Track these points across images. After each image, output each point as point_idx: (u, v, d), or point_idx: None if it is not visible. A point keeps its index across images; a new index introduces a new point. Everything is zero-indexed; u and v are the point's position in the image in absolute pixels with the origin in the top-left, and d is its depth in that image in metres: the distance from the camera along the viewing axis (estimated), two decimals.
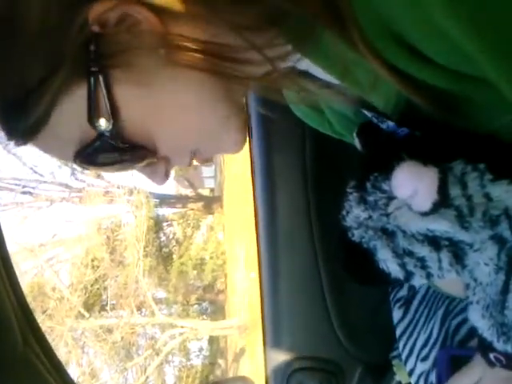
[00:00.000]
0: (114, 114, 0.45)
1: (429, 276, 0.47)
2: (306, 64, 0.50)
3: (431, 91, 0.41)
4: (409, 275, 0.47)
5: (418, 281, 0.48)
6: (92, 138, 0.46)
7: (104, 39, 0.43)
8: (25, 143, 0.47)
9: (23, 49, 0.42)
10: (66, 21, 0.41)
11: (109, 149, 0.47)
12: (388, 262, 0.46)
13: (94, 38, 0.42)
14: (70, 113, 0.45)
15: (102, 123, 0.45)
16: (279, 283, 0.96)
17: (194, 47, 0.44)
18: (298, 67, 0.52)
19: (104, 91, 0.44)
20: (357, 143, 0.57)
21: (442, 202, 0.40)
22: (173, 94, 0.46)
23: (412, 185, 0.40)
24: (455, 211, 0.43)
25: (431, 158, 0.44)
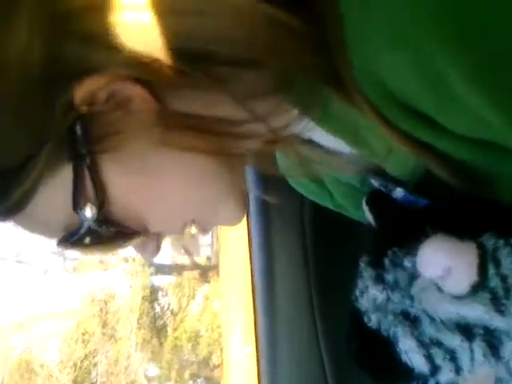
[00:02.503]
0: (101, 199, 0.41)
1: (458, 370, 0.40)
2: (311, 132, 0.47)
3: (451, 160, 0.37)
4: (435, 369, 0.40)
5: (446, 375, 0.41)
6: (75, 225, 0.42)
7: (92, 119, 0.39)
8: (4, 220, 0.43)
9: (2, 129, 0.38)
10: (48, 100, 0.38)
11: (95, 234, 0.43)
12: (411, 353, 0.40)
13: (80, 119, 0.38)
14: (53, 196, 0.41)
15: (88, 209, 0.41)
16: (277, 361, 0.90)
17: (190, 124, 0.40)
18: (303, 135, 0.48)
19: (91, 177, 0.40)
20: (367, 213, 0.51)
21: (481, 284, 0.35)
22: (166, 175, 0.42)
23: (445, 262, 0.34)
24: (490, 293, 0.37)
25: (458, 231, 0.38)
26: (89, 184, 0.41)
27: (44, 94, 0.38)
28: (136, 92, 0.39)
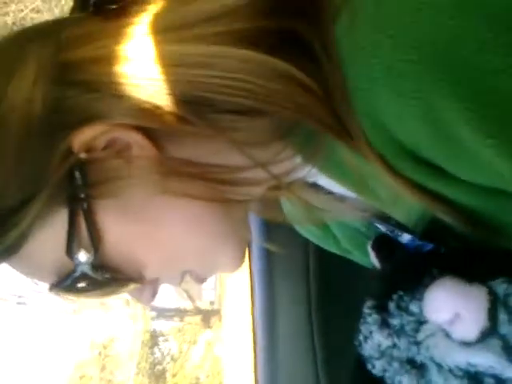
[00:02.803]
0: (96, 247, 0.41)
1: None
2: (316, 177, 0.46)
3: (459, 207, 0.37)
4: None
5: None
6: (70, 270, 0.42)
7: (90, 165, 0.39)
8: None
9: (2, 171, 0.39)
10: (48, 146, 0.38)
11: (89, 279, 0.42)
12: None
13: (78, 164, 0.38)
14: (47, 241, 0.41)
15: (82, 256, 0.41)
16: None
17: (190, 173, 0.40)
18: (307, 180, 0.48)
19: (86, 222, 0.40)
20: (372, 257, 0.50)
21: (491, 330, 0.33)
22: (163, 223, 0.42)
23: (453, 307, 0.33)
24: (501, 341, 0.35)
25: (467, 274, 0.37)
26: (84, 229, 0.40)
27: (44, 139, 0.38)
28: (135, 139, 0.39)
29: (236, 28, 0.38)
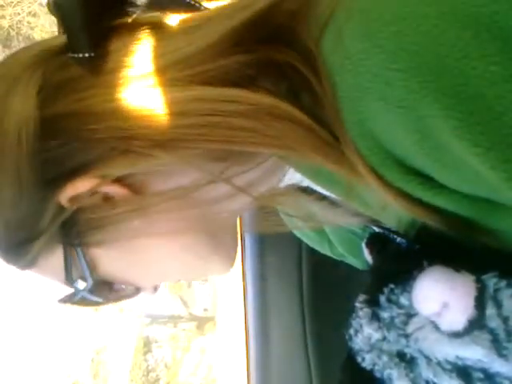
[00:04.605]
0: (91, 276, 0.46)
1: None
2: (304, 179, 0.46)
3: (449, 216, 0.37)
4: None
5: None
6: (71, 292, 0.48)
7: (79, 214, 0.43)
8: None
9: (2, 220, 0.43)
10: (38, 201, 0.42)
11: (87, 300, 0.49)
12: None
13: (68, 215, 0.42)
14: (52, 267, 0.46)
15: (79, 283, 0.47)
16: None
17: (170, 204, 0.42)
18: (298, 184, 0.48)
19: (80, 258, 0.45)
20: (365, 254, 0.50)
21: (479, 320, 0.33)
22: (153, 251, 0.46)
23: (441, 296, 0.33)
24: (490, 334, 0.35)
25: (456, 265, 0.37)
26: (78, 263, 0.45)
27: (34, 196, 0.41)
28: (116, 190, 0.42)
29: (208, 67, 0.39)
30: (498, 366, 0.36)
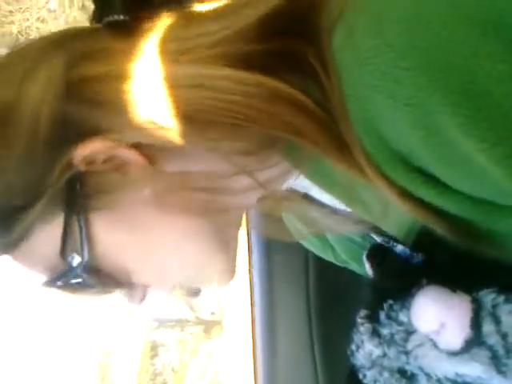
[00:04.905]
0: (88, 252, 0.43)
1: None
2: (306, 186, 0.47)
3: (450, 217, 0.37)
4: None
5: None
6: (63, 270, 0.44)
7: (89, 177, 0.41)
8: (2, 254, 0.45)
9: (4, 177, 0.41)
10: (51, 156, 0.40)
11: (81, 280, 0.45)
12: None
13: (78, 176, 0.41)
14: (45, 241, 0.43)
15: (75, 258, 0.44)
16: None
17: (182, 185, 0.42)
18: (298, 191, 0.48)
19: (80, 228, 0.42)
20: (367, 267, 0.51)
21: (476, 340, 0.33)
22: (155, 234, 0.44)
23: (438, 316, 0.33)
24: (489, 351, 0.36)
25: (453, 284, 0.37)
26: (77, 235, 0.42)
27: (48, 150, 0.40)
28: (133, 157, 0.41)
29: (233, 51, 0.40)
30: (497, 382, 0.36)
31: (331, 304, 0.86)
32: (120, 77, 0.40)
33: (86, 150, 0.40)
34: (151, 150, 0.41)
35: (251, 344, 0.90)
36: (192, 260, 0.47)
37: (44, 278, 0.46)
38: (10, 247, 0.44)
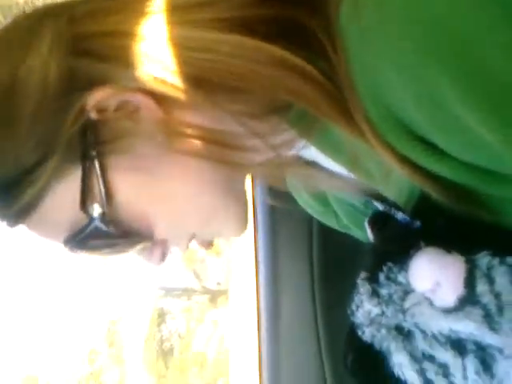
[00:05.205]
0: (108, 201, 0.43)
1: None
2: (313, 153, 0.48)
3: (448, 184, 0.38)
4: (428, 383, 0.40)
5: None
6: (84, 224, 0.45)
7: (102, 125, 0.42)
8: (16, 224, 0.45)
9: (18, 133, 0.41)
10: (62, 107, 0.41)
11: (101, 235, 0.45)
12: (404, 367, 0.40)
13: (91, 124, 0.41)
14: (62, 197, 0.43)
15: (95, 210, 0.44)
16: None
17: (194, 134, 0.43)
18: (304, 156, 0.50)
19: (98, 177, 0.43)
20: (368, 232, 0.52)
21: (469, 297, 0.35)
22: (171, 181, 0.45)
23: (434, 275, 0.35)
24: (482, 310, 0.37)
25: (450, 247, 0.39)
26: (96, 185, 0.43)
27: (58, 102, 0.41)
28: (144, 102, 0.42)
29: (235, 15, 0.40)
30: (489, 338, 0.38)
31: (334, 273, 0.87)
32: (127, 33, 0.41)
33: (97, 97, 0.41)
34: (162, 101, 0.42)
35: (256, 313, 0.92)
36: (207, 208, 0.47)
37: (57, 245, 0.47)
38: (20, 214, 0.44)
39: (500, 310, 0.38)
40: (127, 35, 0.41)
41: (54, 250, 0.49)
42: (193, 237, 0.50)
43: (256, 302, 0.91)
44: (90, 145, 0.42)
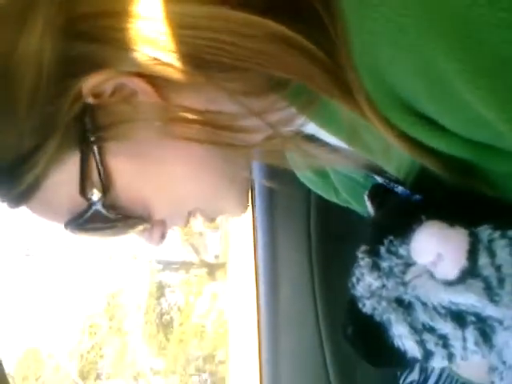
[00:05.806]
0: (107, 185, 0.44)
1: (451, 357, 0.41)
2: (312, 127, 0.47)
3: (448, 159, 0.38)
4: (428, 355, 0.41)
5: (439, 362, 0.42)
6: (83, 208, 0.45)
7: (98, 110, 0.41)
8: (16, 207, 0.45)
9: (15, 118, 0.41)
10: (59, 91, 0.40)
11: (101, 218, 0.45)
12: (404, 338, 0.40)
13: (88, 109, 0.41)
14: (62, 182, 0.44)
15: (94, 194, 0.44)
16: (280, 362, 0.90)
17: (192, 118, 0.42)
18: (303, 131, 0.49)
19: (97, 162, 0.43)
20: (368, 205, 0.52)
21: (471, 270, 0.35)
22: (169, 165, 0.45)
23: (436, 248, 0.35)
24: (483, 282, 0.38)
25: (452, 220, 0.39)
26: (95, 169, 0.43)
27: (54, 87, 0.40)
28: (140, 86, 0.41)
29: None
30: (489, 310, 0.38)
31: (332, 247, 0.88)
32: (120, 13, 0.40)
33: (92, 81, 0.40)
34: (158, 84, 0.41)
35: (254, 286, 0.93)
36: (207, 191, 0.47)
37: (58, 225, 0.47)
38: (23, 198, 0.44)
39: (501, 282, 0.38)
40: (120, 15, 0.40)
41: (54, 225, 0.49)
42: (191, 215, 0.50)
43: (254, 274, 0.92)
44: (88, 130, 0.42)
